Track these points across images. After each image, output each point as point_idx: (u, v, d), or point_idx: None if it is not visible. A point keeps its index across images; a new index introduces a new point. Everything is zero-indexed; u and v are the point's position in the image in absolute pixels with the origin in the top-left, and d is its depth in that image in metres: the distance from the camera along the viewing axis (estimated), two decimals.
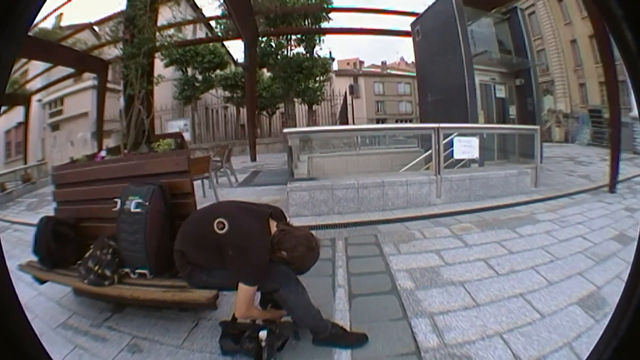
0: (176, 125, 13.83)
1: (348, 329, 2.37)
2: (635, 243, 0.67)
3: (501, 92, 9.40)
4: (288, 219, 2.27)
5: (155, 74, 8.46)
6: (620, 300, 0.63)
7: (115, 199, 2.33)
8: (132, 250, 2.27)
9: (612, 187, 6.56)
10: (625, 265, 3.32)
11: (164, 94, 15.50)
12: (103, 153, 10.45)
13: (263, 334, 1.99)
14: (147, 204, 2.26)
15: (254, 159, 11.13)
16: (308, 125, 17.44)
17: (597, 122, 15.30)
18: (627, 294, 0.62)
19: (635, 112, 12.84)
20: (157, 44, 8.17)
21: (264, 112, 18.63)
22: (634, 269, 0.63)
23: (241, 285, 1.96)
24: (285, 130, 6.21)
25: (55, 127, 18.71)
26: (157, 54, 9.67)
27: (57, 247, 2.53)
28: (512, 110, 9.45)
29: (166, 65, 16.11)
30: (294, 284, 2.13)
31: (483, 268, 3.44)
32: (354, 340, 2.24)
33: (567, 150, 13.78)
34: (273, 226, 2.11)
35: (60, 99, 18.33)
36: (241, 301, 1.98)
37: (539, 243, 4.07)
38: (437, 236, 4.31)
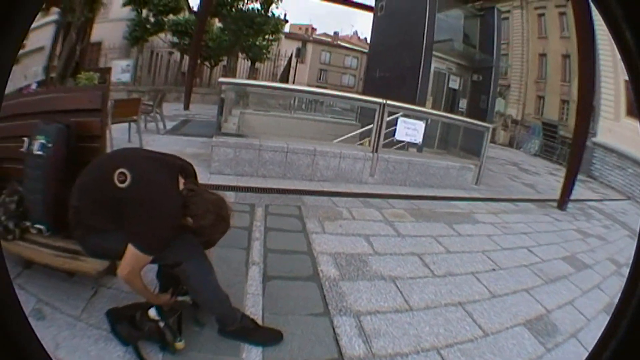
0: (119, 65, 12.79)
1: (260, 317, 2.06)
2: (635, 244, 0.65)
3: (455, 84, 9.38)
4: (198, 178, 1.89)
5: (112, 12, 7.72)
6: (619, 300, 0.62)
7: (24, 138, 1.99)
8: (33, 201, 1.98)
9: (562, 204, 6.34)
10: (579, 293, 3.26)
11: (115, 33, 15.38)
12: (34, 86, 9.32)
13: (153, 312, 1.70)
14: (50, 146, 1.92)
15: (187, 107, 10.53)
16: None
17: (551, 136, 15.95)
18: (626, 294, 0.61)
19: (597, 139, 13.24)
20: None
21: (207, 63, 17.71)
22: (633, 269, 0.62)
23: (131, 248, 1.56)
24: (221, 79, 5.67)
25: (16, 60, 16.91)
26: None
27: None
28: (463, 104, 9.48)
29: (123, 5, 14.99)
30: (200, 258, 1.74)
31: (417, 265, 3.10)
32: (267, 337, 1.91)
33: (510, 155, 14.17)
34: (180, 184, 1.71)
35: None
36: (126, 262, 1.59)
37: (479, 246, 3.76)
38: (367, 219, 3.98)
